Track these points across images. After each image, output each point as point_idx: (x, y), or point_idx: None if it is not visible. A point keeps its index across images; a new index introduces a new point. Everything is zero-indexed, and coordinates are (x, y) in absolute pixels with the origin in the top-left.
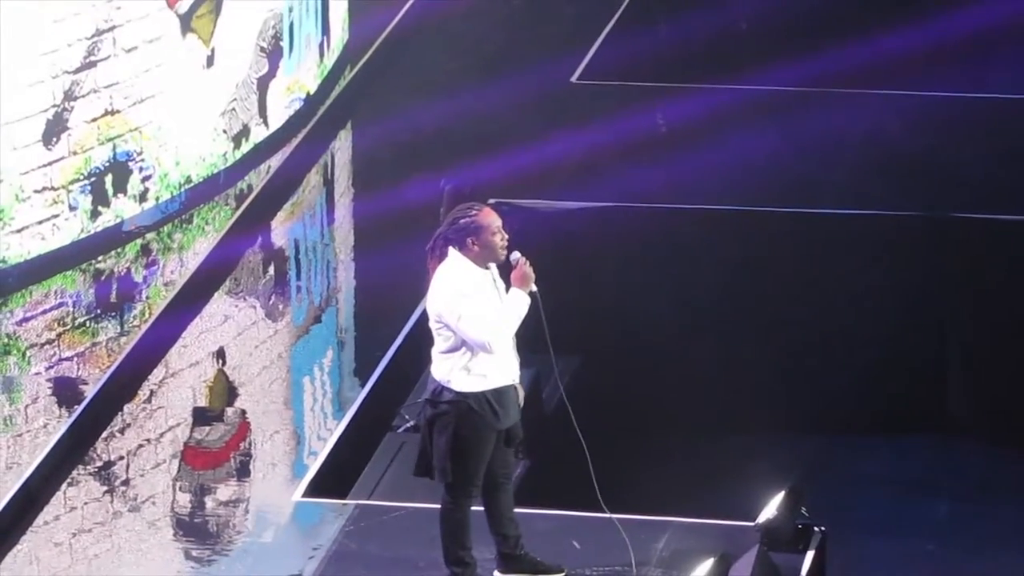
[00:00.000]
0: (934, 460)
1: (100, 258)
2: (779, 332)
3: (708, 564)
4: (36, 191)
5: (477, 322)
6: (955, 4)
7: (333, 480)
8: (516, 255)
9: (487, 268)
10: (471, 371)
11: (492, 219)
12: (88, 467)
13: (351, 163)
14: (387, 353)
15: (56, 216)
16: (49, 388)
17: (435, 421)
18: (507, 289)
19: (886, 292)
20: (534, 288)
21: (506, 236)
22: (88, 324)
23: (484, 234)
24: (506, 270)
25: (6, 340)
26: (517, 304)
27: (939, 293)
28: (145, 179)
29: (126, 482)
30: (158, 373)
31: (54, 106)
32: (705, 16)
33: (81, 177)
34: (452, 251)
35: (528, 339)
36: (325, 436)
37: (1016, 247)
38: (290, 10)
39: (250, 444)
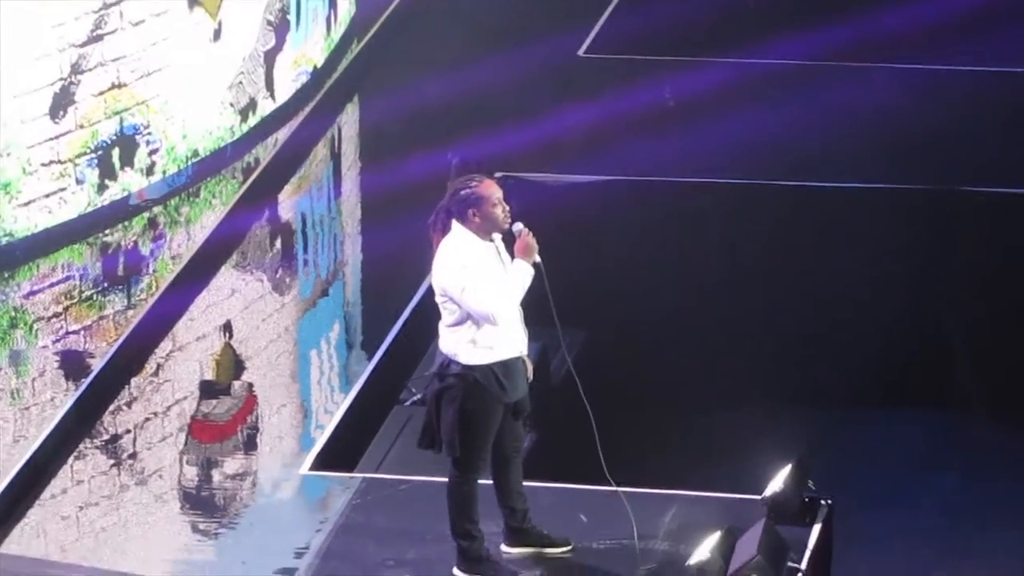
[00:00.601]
0: (942, 433)
1: (107, 231)
2: (786, 305)
3: (715, 537)
4: (43, 164)
5: (481, 294)
6: None
7: (340, 453)
8: (519, 226)
9: (491, 240)
10: (477, 343)
11: (493, 190)
12: (95, 440)
13: (358, 136)
14: (394, 326)
15: (63, 189)
16: (56, 361)
17: (442, 394)
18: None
19: (894, 265)
20: (538, 259)
21: (507, 207)
22: (95, 298)
23: (485, 205)
24: (510, 242)
25: (13, 313)
26: (521, 275)
27: (948, 266)
28: (152, 152)
29: (133, 455)
30: (165, 347)
31: (61, 79)
32: None
33: (88, 151)
34: (455, 224)
35: (535, 312)
36: (332, 409)
37: None
38: None
39: (257, 417)
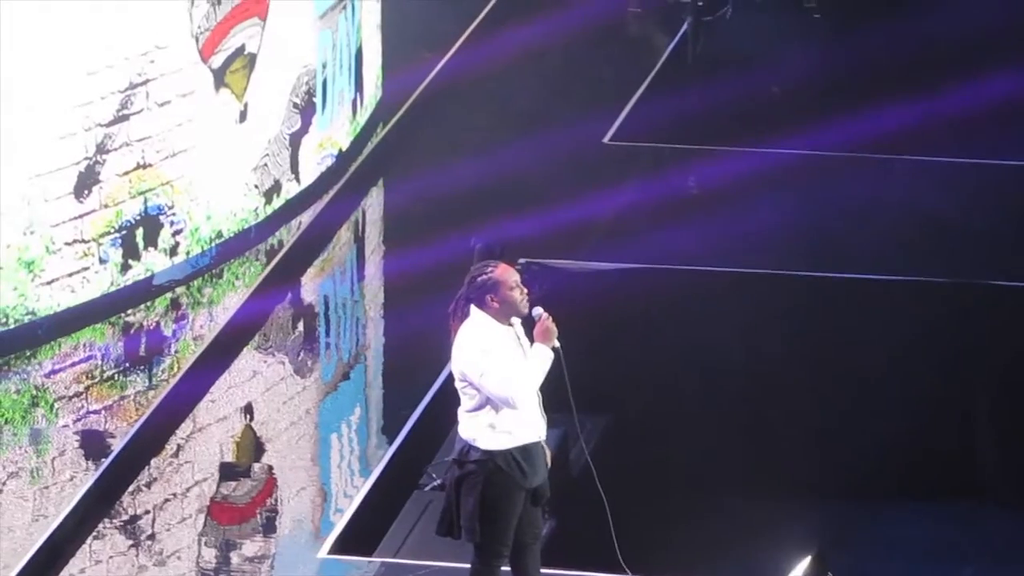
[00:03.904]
0: (960, 525)
1: (130, 311)
2: (807, 395)
3: None
4: (67, 243)
5: (499, 377)
6: (986, 71)
7: (359, 537)
8: (538, 310)
9: (510, 325)
10: (496, 428)
11: (509, 274)
12: (114, 520)
13: (382, 220)
14: (415, 411)
15: (86, 269)
16: (76, 441)
17: (462, 481)
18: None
19: (913, 357)
20: (557, 343)
21: (525, 291)
22: (117, 377)
23: (502, 289)
24: (529, 326)
25: (35, 392)
26: (540, 359)
27: (967, 358)
28: (176, 233)
29: (152, 536)
30: (185, 427)
31: (86, 159)
32: (737, 80)
33: (112, 230)
34: (473, 309)
35: (554, 398)
36: (351, 493)
37: None
38: (324, 67)
39: (276, 500)
